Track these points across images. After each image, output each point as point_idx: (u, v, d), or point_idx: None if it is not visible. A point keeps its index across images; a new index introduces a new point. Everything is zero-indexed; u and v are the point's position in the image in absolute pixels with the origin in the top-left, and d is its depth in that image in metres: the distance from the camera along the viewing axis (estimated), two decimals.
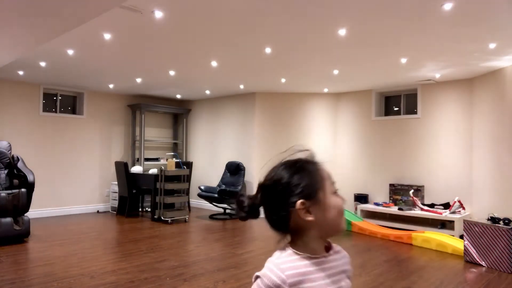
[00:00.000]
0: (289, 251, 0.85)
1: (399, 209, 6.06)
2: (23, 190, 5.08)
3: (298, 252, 0.85)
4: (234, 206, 0.92)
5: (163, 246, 4.90)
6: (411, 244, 5.16)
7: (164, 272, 3.83)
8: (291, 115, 7.40)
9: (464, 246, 4.40)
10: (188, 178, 6.98)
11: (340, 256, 0.93)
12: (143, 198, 7.59)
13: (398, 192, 6.39)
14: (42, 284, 3.44)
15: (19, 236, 4.95)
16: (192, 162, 7.84)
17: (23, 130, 6.71)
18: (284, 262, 0.82)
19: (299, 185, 0.86)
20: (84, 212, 7.41)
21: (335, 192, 0.89)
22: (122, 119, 8.03)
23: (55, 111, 7.22)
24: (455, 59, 4.74)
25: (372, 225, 6.01)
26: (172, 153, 8.67)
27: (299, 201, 0.84)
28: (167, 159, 7.60)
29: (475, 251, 4.30)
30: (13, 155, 5.59)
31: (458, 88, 5.94)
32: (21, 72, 5.91)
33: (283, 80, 6.20)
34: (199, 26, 3.64)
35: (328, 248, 0.91)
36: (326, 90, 7.09)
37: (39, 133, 6.89)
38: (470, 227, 4.35)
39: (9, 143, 5.68)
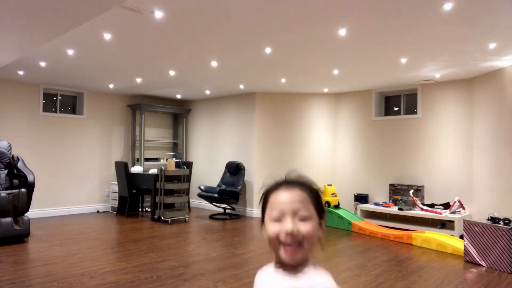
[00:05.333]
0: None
1: (399, 209, 6.06)
2: (23, 190, 5.08)
3: (275, 263, 0.96)
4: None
5: (163, 246, 4.89)
6: (411, 244, 5.16)
7: (164, 272, 3.83)
8: (291, 115, 7.40)
9: (464, 246, 4.40)
10: (188, 178, 6.98)
11: (316, 280, 0.91)
12: (143, 198, 7.59)
13: (398, 192, 6.39)
14: (42, 284, 3.44)
15: (19, 236, 4.95)
16: (192, 162, 7.84)
17: (23, 130, 6.71)
18: (266, 266, 0.99)
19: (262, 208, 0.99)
20: (84, 212, 7.41)
21: (277, 219, 0.92)
22: (122, 119, 8.03)
23: (55, 111, 7.22)
24: (455, 59, 4.74)
25: (372, 225, 6.01)
26: (172, 153, 8.67)
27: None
28: (167, 159, 7.60)
29: (475, 251, 4.30)
30: (13, 155, 5.59)
31: (458, 88, 5.94)
32: (21, 72, 5.91)
33: (283, 80, 6.20)
34: (199, 26, 3.64)
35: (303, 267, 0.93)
36: (326, 90, 7.09)
37: (39, 133, 6.89)
38: (470, 227, 4.35)
39: (9, 143, 5.68)
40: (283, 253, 0.91)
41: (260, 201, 0.99)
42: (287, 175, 0.98)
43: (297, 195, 0.92)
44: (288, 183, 0.96)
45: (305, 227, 0.90)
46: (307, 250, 0.91)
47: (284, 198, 0.92)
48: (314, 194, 0.96)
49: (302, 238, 0.89)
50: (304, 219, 0.90)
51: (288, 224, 0.89)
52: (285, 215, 0.90)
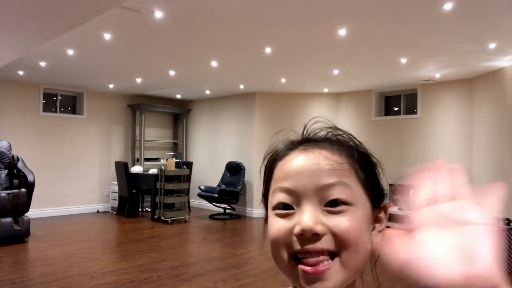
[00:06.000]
0: None
1: (399, 209, 6.05)
2: (23, 190, 5.08)
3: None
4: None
5: (163, 246, 4.89)
6: None
7: (164, 272, 3.83)
8: (291, 115, 7.40)
9: None
10: (188, 178, 6.98)
11: None
12: (143, 198, 7.59)
13: (398, 192, 6.39)
14: (42, 284, 3.44)
15: (19, 236, 4.95)
16: (192, 162, 7.84)
17: (23, 130, 6.71)
18: None
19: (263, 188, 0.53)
20: (84, 212, 7.40)
21: (286, 208, 0.46)
22: (122, 119, 8.03)
23: (55, 111, 7.21)
24: (455, 59, 4.74)
25: None
26: (172, 153, 8.67)
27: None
28: (167, 159, 7.60)
29: None
30: (13, 155, 5.59)
31: (458, 88, 5.94)
32: (21, 72, 5.91)
33: (283, 80, 6.20)
34: (199, 26, 3.64)
35: None
36: (326, 90, 7.09)
37: (39, 133, 6.89)
38: None
39: (9, 143, 5.68)
40: (300, 277, 0.44)
41: (261, 178, 0.53)
42: (307, 128, 0.53)
43: (325, 160, 0.46)
44: (308, 141, 0.50)
45: (341, 222, 0.44)
46: (350, 268, 0.45)
47: (300, 165, 0.46)
48: (361, 161, 0.50)
49: (337, 244, 0.44)
50: (338, 206, 0.44)
51: (305, 216, 0.44)
52: (302, 199, 0.45)
